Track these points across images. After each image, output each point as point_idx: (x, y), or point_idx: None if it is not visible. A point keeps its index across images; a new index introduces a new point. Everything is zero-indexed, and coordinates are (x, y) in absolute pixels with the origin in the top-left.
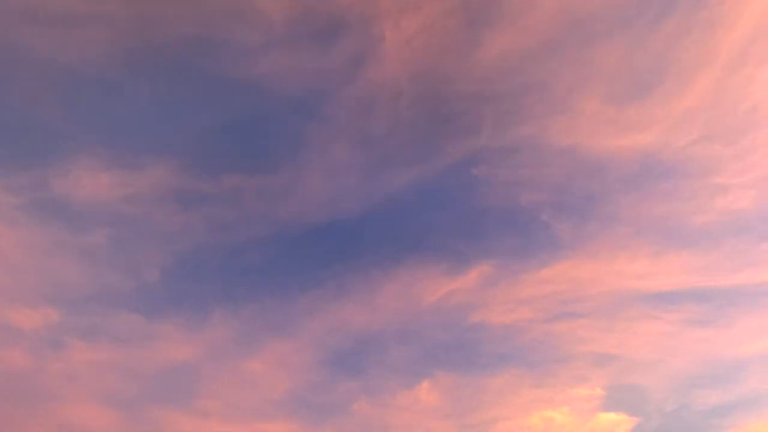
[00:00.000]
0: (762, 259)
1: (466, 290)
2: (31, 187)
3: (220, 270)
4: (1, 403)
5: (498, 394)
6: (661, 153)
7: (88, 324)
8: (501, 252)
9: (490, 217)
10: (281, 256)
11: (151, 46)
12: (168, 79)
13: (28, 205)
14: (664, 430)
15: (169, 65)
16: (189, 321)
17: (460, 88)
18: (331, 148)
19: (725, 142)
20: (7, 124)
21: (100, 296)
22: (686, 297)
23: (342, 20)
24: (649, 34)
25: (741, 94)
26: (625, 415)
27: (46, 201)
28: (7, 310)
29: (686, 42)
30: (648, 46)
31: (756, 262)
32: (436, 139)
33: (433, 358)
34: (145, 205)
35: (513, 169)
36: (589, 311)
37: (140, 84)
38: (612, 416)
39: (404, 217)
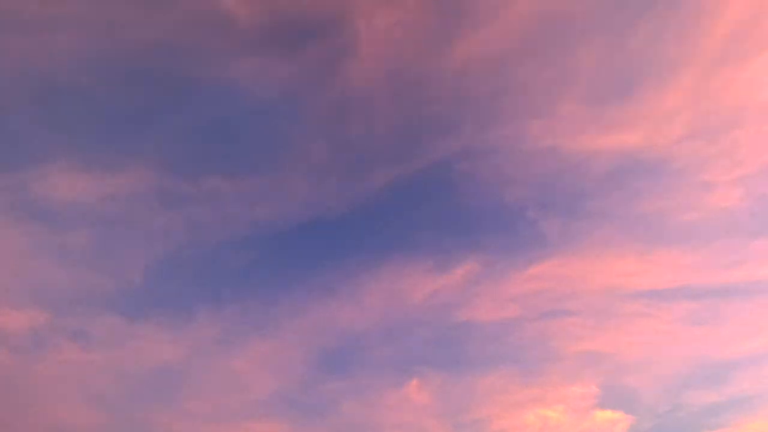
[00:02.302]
0: (752, 256)
1: (452, 288)
2: (10, 189)
3: (204, 270)
4: None
5: (489, 392)
6: (646, 151)
7: (73, 325)
8: (487, 249)
9: (474, 215)
10: (265, 256)
11: (124, 50)
12: (144, 83)
13: (8, 207)
14: (659, 428)
15: (143, 69)
16: (173, 322)
17: (440, 87)
18: (310, 149)
19: (710, 140)
20: None
21: (84, 297)
22: (677, 295)
23: (315, 20)
24: (629, 33)
25: (724, 92)
26: (622, 413)
27: (25, 203)
28: None
29: (667, 41)
30: (628, 46)
31: (746, 259)
32: (416, 139)
33: (422, 356)
34: (126, 206)
35: (497, 168)
36: (579, 309)
37: (115, 88)
38: (609, 414)
39: (388, 216)
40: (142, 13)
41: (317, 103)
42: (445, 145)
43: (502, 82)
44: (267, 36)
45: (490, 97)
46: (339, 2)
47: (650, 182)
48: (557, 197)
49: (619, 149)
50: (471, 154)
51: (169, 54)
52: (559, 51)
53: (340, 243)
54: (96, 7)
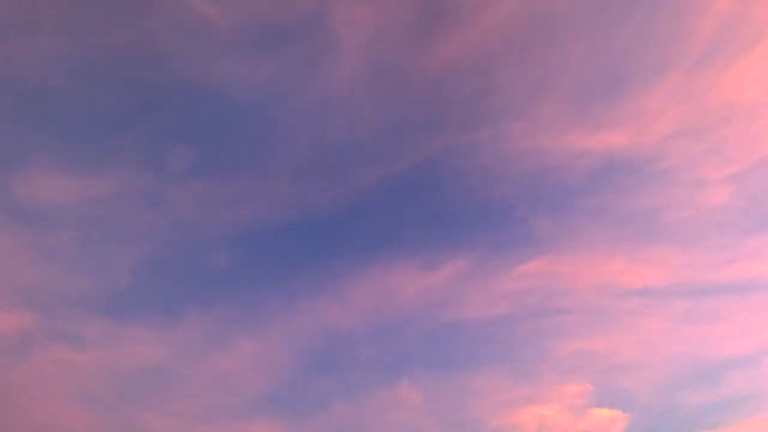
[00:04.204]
0: (746, 254)
1: (441, 286)
2: None
3: (191, 271)
4: None
5: (483, 391)
6: (634, 149)
7: (61, 326)
8: (476, 247)
9: (463, 213)
10: (252, 256)
11: (107, 52)
12: (127, 85)
13: None
14: (655, 427)
15: (126, 71)
16: (161, 322)
17: (424, 87)
18: (295, 149)
19: (698, 138)
20: None
21: (72, 299)
22: (670, 293)
23: (295, 21)
24: (615, 32)
25: (710, 90)
26: (619, 412)
27: (11, 205)
28: None
29: (652, 40)
30: (614, 45)
31: (740, 257)
32: (402, 138)
33: (412, 355)
34: (112, 207)
35: (485, 166)
36: (571, 307)
37: (99, 90)
38: (606, 413)
39: (375, 215)
40: (123, 16)
41: (301, 104)
42: (431, 145)
43: (487, 81)
44: (248, 38)
45: (476, 97)
46: (320, 3)
47: (640, 180)
48: (547, 195)
49: (607, 148)
50: (458, 153)
51: (151, 56)
52: (545, 51)
53: (327, 242)
54: (77, 10)
